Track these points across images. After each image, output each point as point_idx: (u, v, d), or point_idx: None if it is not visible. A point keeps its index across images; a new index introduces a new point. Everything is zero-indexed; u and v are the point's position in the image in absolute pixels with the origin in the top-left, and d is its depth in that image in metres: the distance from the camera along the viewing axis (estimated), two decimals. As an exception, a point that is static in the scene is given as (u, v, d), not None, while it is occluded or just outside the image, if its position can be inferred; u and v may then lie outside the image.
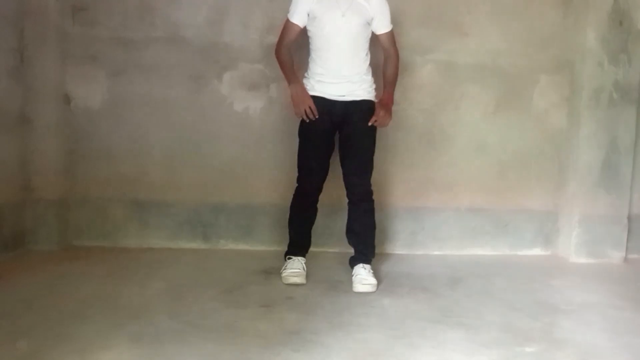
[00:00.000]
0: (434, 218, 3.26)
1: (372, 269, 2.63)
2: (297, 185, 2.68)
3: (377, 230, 3.05)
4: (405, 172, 3.21)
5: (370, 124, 2.59)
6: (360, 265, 2.61)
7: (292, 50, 2.69)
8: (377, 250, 3.12)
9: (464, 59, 3.18)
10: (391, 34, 2.69)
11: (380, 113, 2.60)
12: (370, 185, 2.65)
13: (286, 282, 2.56)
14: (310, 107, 2.56)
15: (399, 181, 3.21)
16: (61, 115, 3.05)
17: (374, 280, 2.53)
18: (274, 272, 2.70)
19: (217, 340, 1.88)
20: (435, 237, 3.26)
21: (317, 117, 2.56)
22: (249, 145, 3.15)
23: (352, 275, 2.59)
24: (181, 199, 3.15)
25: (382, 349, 1.87)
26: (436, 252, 3.25)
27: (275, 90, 3.10)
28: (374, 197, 2.68)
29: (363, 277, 2.54)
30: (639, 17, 3.10)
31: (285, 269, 2.63)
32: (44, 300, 2.23)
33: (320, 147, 2.63)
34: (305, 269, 2.65)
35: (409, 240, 3.25)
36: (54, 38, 2.97)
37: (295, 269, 2.62)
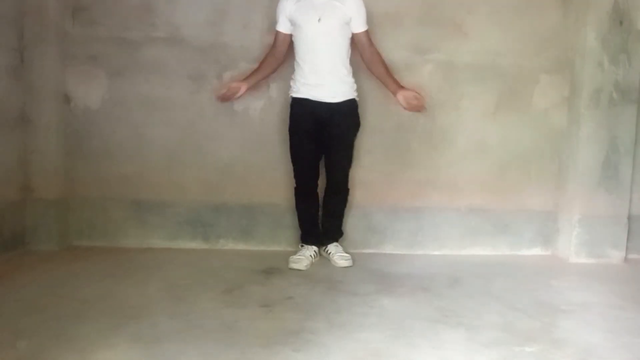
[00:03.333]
0: (434, 218, 3.25)
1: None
2: (295, 181, 2.90)
3: (377, 230, 3.07)
4: (405, 172, 3.21)
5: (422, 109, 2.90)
6: (334, 244, 2.95)
7: (280, 58, 2.86)
8: (377, 250, 3.15)
9: (464, 59, 3.18)
10: (367, 33, 2.81)
11: (415, 96, 2.86)
12: (347, 178, 2.93)
13: (289, 267, 2.77)
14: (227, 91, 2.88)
15: (399, 181, 3.21)
16: (61, 115, 3.05)
17: (348, 255, 2.89)
18: (274, 272, 2.70)
19: (217, 340, 1.88)
20: (435, 237, 3.26)
21: (238, 91, 2.85)
22: (249, 145, 3.15)
23: (326, 253, 2.94)
24: (181, 199, 3.15)
25: (382, 349, 1.87)
26: (436, 252, 3.24)
27: (275, 90, 3.10)
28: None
29: (340, 253, 2.89)
30: (639, 17, 3.10)
31: (294, 254, 2.86)
32: (44, 300, 2.23)
33: (307, 146, 2.81)
34: (313, 257, 2.87)
35: (409, 240, 3.25)
36: (54, 38, 2.97)
37: (301, 255, 2.81)
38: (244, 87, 2.87)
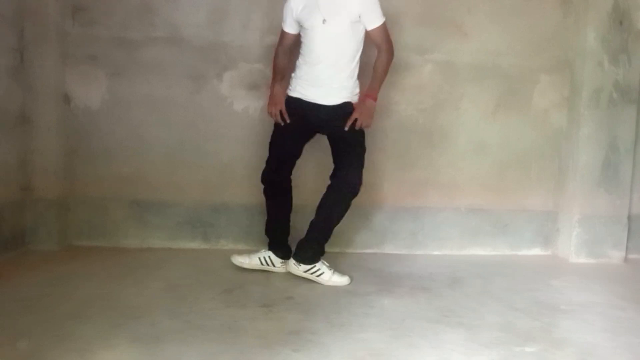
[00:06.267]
0: (434, 218, 3.26)
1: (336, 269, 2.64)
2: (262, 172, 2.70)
3: (377, 230, 3.05)
4: (405, 172, 3.21)
5: (346, 128, 2.53)
6: (321, 262, 2.61)
7: (289, 55, 2.72)
8: (377, 250, 3.15)
9: (464, 59, 3.18)
10: (382, 29, 2.56)
11: (356, 114, 2.53)
12: (361, 179, 2.58)
13: (233, 260, 2.72)
14: (281, 112, 2.60)
15: (399, 181, 3.21)
16: (61, 115, 3.05)
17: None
18: (274, 272, 2.70)
19: (217, 340, 1.88)
20: (435, 237, 3.26)
21: (287, 122, 2.60)
22: (249, 145, 3.14)
23: (315, 274, 2.58)
24: (181, 199, 3.15)
25: (382, 349, 1.87)
26: (436, 252, 3.25)
27: (275, 90, 3.09)
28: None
29: (332, 270, 2.59)
30: (639, 17, 3.10)
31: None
32: (44, 300, 2.23)
33: (286, 145, 2.66)
34: (266, 263, 2.70)
35: (409, 240, 3.25)
36: (54, 38, 2.97)
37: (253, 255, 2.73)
38: (281, 95, 2.66)
